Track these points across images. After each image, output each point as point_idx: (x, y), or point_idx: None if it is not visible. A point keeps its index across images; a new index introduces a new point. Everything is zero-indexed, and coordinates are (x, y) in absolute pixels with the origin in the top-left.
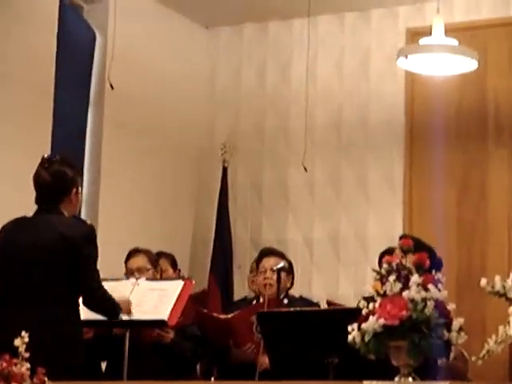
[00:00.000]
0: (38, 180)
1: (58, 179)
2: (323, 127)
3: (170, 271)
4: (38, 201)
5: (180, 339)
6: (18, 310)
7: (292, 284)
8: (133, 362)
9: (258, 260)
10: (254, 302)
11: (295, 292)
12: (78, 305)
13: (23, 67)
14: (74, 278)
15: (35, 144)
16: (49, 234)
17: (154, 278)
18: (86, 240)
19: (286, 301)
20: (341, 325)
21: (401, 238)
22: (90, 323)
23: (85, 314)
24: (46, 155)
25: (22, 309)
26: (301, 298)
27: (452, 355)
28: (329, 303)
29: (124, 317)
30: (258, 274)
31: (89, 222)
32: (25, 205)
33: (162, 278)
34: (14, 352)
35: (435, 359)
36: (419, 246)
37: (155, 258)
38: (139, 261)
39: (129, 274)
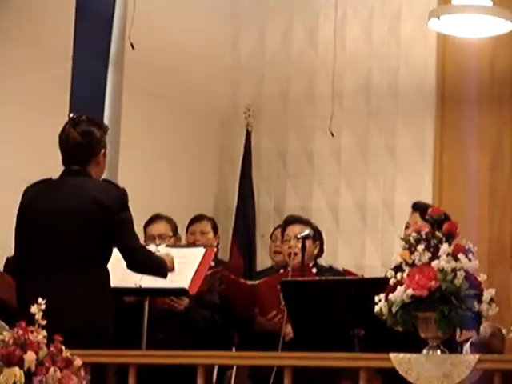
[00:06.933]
0: (66, 139)
1: (87, 139)
2: (351, 92)
3: (211, 234)
4: (65, 162)
5: (196, 307)
6: (46, 277)
7: (321, 251)
8: (149, 331)
9: (283, 228)
10: (282, 270)
11: (321, 262)
12: (108, 272)
13: (42, 27)
14: (105, 244)
15: (54, 105)
16: (81, 199)
17: (174, 245)
18: (120, 205)
19: (314, 270)
20: (367, 295)
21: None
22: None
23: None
24: (72, 115)
25: (50, 276)
26: (330, 267)
27: (489, 331)
28: (345, 272)
29: (144, 284)
30: (283, 243)
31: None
32: (43, 167)
33: (184, 245)
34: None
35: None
36: None
37: (176, 226)
38: (161, 227)
39: (149, 240)
